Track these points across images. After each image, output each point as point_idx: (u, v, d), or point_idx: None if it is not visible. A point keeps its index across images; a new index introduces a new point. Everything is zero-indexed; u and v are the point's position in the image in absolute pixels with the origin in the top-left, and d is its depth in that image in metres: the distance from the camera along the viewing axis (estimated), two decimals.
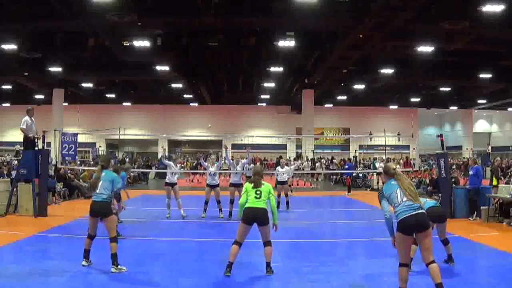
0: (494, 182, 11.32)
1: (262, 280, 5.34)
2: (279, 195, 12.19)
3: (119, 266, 5.48)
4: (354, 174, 20.02)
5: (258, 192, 5.52)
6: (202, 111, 35.29)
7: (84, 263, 5.65)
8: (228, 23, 16.39)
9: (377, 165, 18.80)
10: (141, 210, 11.36)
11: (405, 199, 4.35)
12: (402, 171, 5.19)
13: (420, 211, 4.30)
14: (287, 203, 12.29)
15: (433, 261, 4.25)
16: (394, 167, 4.81)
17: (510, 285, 5.25)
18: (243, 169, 10.88)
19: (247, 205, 5.50)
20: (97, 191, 5.72)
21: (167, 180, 10.48)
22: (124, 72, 24.00)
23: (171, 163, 10.78)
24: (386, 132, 25.57)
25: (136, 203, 12.94)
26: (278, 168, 12.98)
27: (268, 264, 5.47)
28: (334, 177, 23.98)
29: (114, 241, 5.51)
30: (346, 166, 18.88)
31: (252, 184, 5.59)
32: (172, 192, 10.26)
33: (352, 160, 21.42)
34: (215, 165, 10.55)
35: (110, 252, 5.47)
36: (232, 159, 12.43)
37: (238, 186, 10.23)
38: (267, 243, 5.47)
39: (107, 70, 23.45)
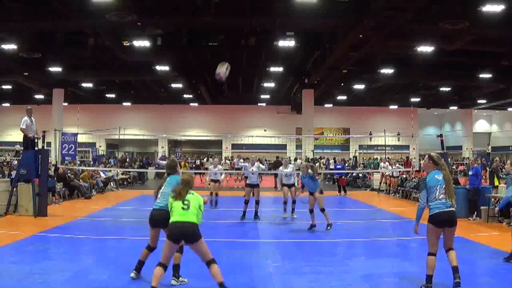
0: (496, 183, 11.31)
1: (262, 280, 5.35)
2: (211, 193, 12.14)
3: (180, 278, 5.20)
4: (354, 174, 20.00)
5: (185, 203, 4.63)
6: (202, 111, 35.28)
7: (133, 275, 5.24)
8: (228, 23, 16.36)
9: (382, 165, 18.59)
10: (141, 210, 11.33)
11: (441, 196, 4.82)
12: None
13: (452, 208, 4.81)
14: (216, 202, 12.19)
15: (452, 248, 4.83)
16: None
17: (510, 285, 5.26)
18: (258, 169, 11.03)
19: (172, 219, 4.63)
20: (158, 198, 5.22)
21: None
22: (124, 72, 23.94)
23: (165, 163, 10.82)
24: (386, 132, 25.57)
25: (136, 203, 12.95)
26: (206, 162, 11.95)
27: (221, 285, 4.48)
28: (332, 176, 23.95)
29: (180, 250, 5.17)
30: (339, 166, 18.80)
31: (175, 194, 4.71)
32: None
33: (352, 160, 21.38)
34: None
35: (173, 262, 5.11)
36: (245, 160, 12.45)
37: (255, 186, 10.64)
38: (210, 262, 4.56)
39: (107, 70, 23.41)
